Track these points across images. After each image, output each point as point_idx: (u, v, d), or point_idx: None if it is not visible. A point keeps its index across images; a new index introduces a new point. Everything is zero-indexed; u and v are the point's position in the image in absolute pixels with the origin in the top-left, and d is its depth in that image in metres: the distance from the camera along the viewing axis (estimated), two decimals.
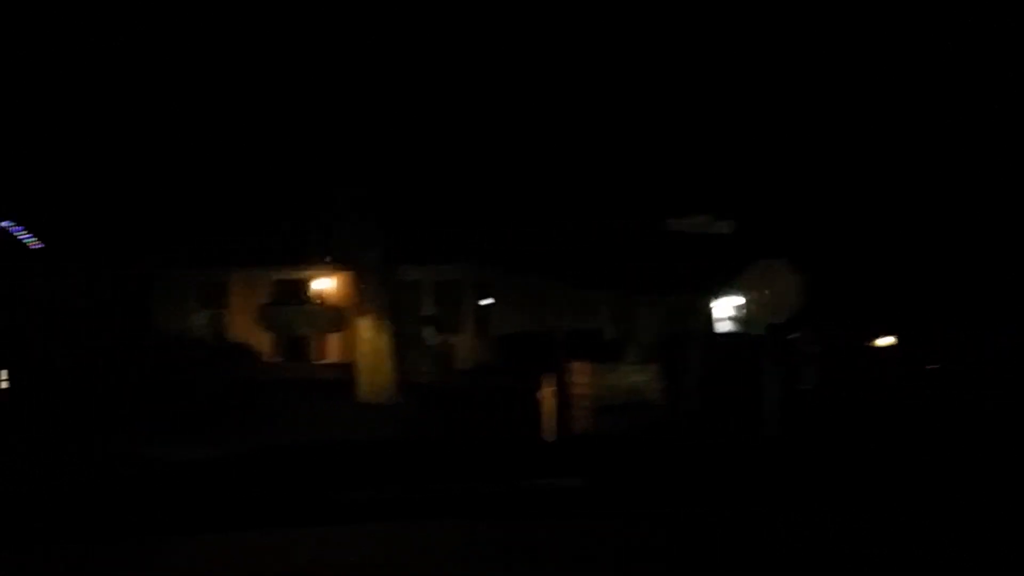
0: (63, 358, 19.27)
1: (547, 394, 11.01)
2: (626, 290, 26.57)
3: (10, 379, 15.58)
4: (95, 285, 24.22)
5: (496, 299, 24.71)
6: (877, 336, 21.38)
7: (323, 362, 22.39)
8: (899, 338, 20.89)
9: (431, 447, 2.55)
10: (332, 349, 22.79)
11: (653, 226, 20.04)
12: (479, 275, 24.01)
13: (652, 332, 23.96)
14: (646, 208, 21.53)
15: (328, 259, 22.42)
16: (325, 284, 23.57)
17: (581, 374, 12.47)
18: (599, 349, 19.65)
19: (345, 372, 19.42)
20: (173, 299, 24.96)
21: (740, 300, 24.83)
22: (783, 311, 10.80)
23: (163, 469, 2.25)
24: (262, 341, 23.76)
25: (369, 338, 15.80)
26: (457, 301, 23.42)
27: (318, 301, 23.53)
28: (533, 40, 16.32)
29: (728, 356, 14.58)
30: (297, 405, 15.06)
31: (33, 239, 31.51)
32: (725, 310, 25.43)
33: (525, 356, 20.76)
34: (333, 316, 22.95)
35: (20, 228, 31.82)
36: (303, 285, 23.92)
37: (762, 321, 11.13)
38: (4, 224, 31.46)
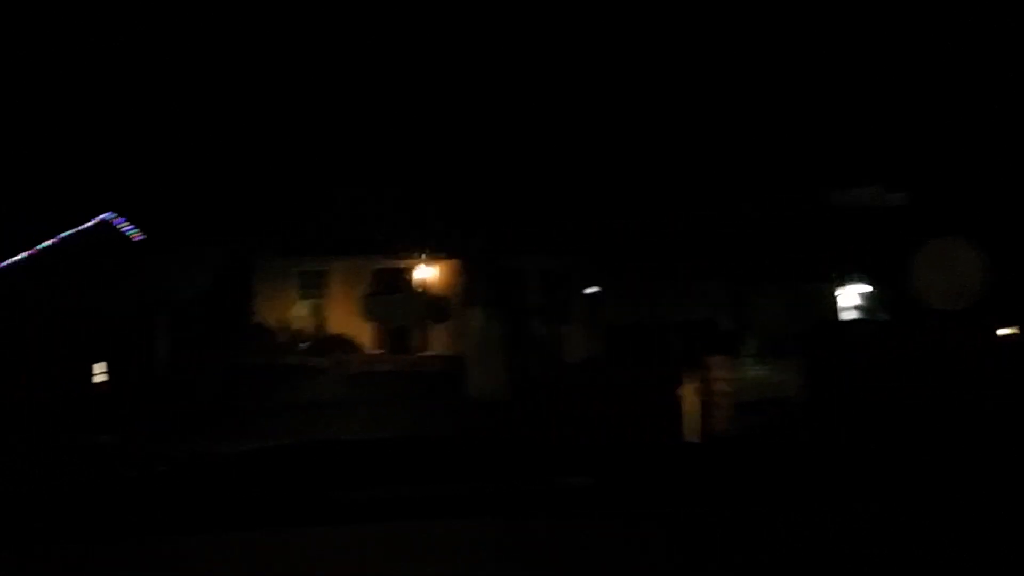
0: (163, 350, 18.94)
1: (689, 391, 9.88)
2: (743, 277, 24.95)
3: (110, 371, 15.17)
4: (196, 275, 23.86)
5: (604, 289, 23.47)
6: None
7: (426, 354, 21.49)
8: None
9: (560, 448, 2.30)
10: (436, 341, 21.85)
11: (780, 203, 18.58)
12: (587, 263, 22.78)
13: (774, 322, 22.37)
14: (765, 186, 20.12)
15: (432, 248, 21.60)
16: (428, 273, 22.64)
17: (721, 369, 11.27)
18: (717, 342, 18.36)
19: (451, 365, 18.59)
20: (274, 289, 24.43)
21: (869, 288, 23.09)
22: (961, 297, 9.33)
23: (163, 468, 2.16)
24: (363, 332, 23.01)
25: (479, 329, 14.83)
26: (564, 291, 22.23)
27: (421, 291, 22.60)
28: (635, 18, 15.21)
29: (897, 350, 13.02)
30: (404, 398, 14.30)
31: (135, 230, 31.60)
32: (855, 298, 23.77)
33: (638, 349, 19.67)
34: (437, 306, 22.04)
35: (122, 219, 31.98)
36: (405, 274, 23.04)
37: (935, 309, 9.63)
38: (106, 216, 31.66)
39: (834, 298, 23.65)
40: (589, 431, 10.93)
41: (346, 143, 19.65)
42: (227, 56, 17.08)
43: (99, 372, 15.03)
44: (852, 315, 22.97)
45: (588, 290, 23.42)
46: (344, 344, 22.43)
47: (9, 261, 28.61)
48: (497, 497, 1.78)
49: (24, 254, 29.09)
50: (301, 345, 22.01)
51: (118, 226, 31.36)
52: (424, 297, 22.55)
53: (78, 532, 1.57)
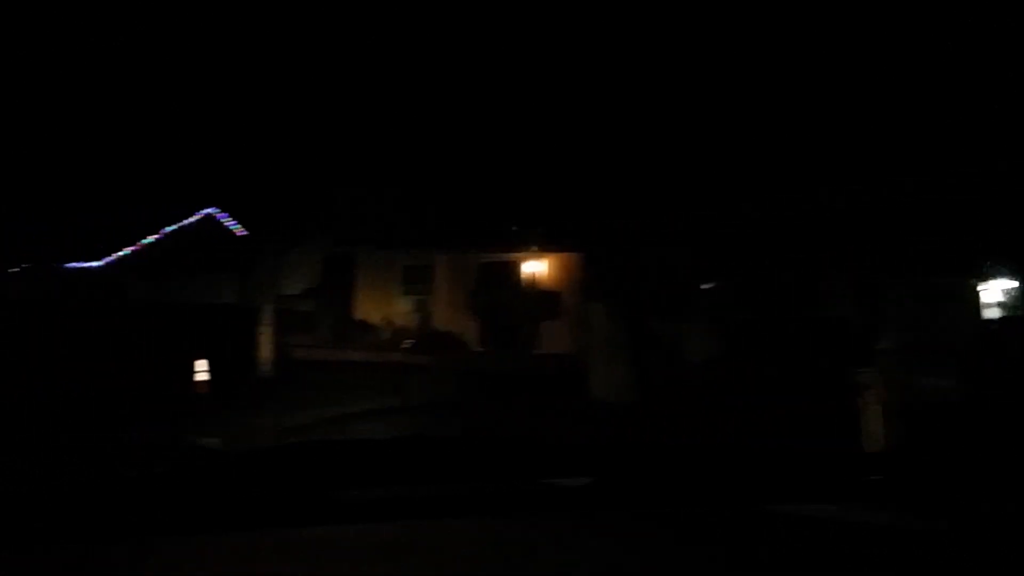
0: (267, 346, 18.37)
1: (872, 395, 8.53)
2: (874, 270, 23.13)
3: (210, 370, 14.49)
4: (299, 270, 23.40)
5: (720, 284, 22.01)
6: None
7: (537, 352, 20.35)
8: None
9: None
10: (548, 338, 20.68)
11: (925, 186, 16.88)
12: (703, 256, 21.34)
13: (909, 320, 20.55)
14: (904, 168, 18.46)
15: (544, 241, 20.50)
16: (537, 268, 21.50)
17: (889, 372, 9.85)
18: (851, 341, 16.83)
19: (564, 364, 17.45)
20: (378, 284, 23.73)
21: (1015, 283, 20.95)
22: None
23: (163, 468, 2.04)
24: (469, 329, 22.03)
25: (601, 327, 13.61)
26: (683, 286, 20.82)
27: (530, 286, 21.48)
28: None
29: None
30: (521, 401, 13.28)
31: (237, 225, 31.50)
32: (997, 294, 21.84)
33: (762, 347, 18.28)
34: (548, 302, 20.89)
35: (225, 215, 31.92)
36: (514, 269, 21.94)
37: None
38: (210, 210, 31.64)
39: (978, 294, 21.80)
40: (719, 435, 9.85)
41: (453, 133, 18.88)
42: (328, 52, 16.63)
43: (200, 370, 14.30)
44: (1001, 311, 21.11)
45: (708, 285, 22.05)
46: (449, 342, 21.52)
47: (113, 256, 28.91)
48: (497, 497, 1.79)
49: (127, 249, 29.24)
50: (405, 342, 21.14)
51: (221, 221, 31.43)
52: (534, 293, 21.41)
53: (78, 532, 1.57)
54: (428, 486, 1.85)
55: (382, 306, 23.32)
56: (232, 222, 31.27)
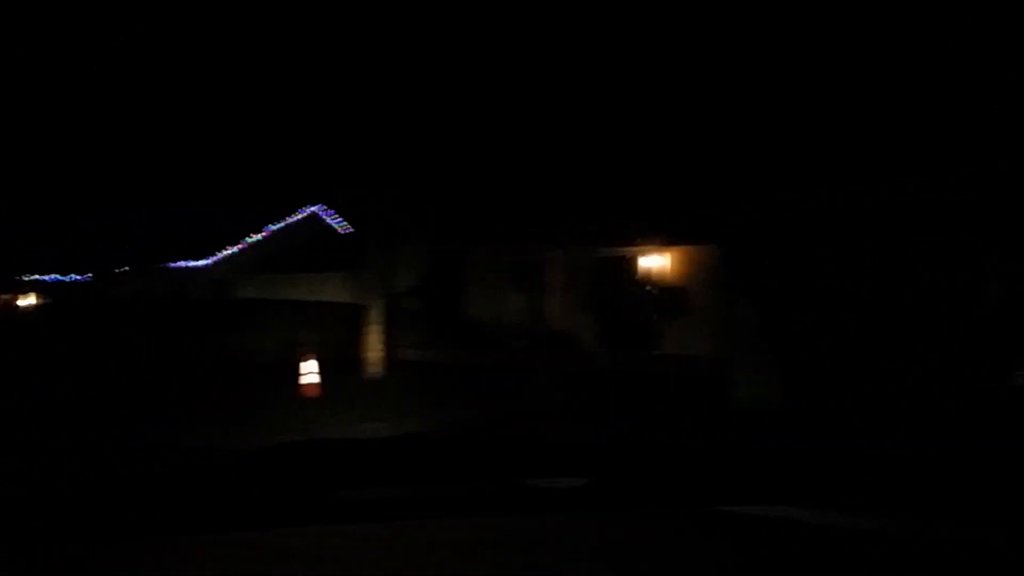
0: (375, 346, 17.57)
1: None
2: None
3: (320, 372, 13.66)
4: (408, 267, 22.60)
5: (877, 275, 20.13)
6: None
7: (658, 353, 18.96)
8: None
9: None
10: (670, 338, 19.25)
11: None
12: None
13: None
14: None
15: (667, 233, 19.07)
16: (658, 262, 20.07)
17: None
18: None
19: (692, 366, 16.09)
20: (487, 281, 22.71)
21: None
22: None
23: (163, 468, 2.08)
24: (584, 328, 20.78)
25: (748, 327, 12.18)
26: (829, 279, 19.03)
27: (651, 281, 20.09)
28: None
29: None
30: (656, 408, 12.04)
31: (343, 223, 31.01)
32: None
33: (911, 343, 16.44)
34: (671, 300, 19.47)
35: (331, 212, 31.49)
36: (632, 263, 20.59)
37: None
38: (314, 208, 31.31)
39: None
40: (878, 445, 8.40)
41: (568, 121, 17.87)
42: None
43: (308, 372, 13.42)
44: None
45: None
46: (563, 341, 20.33)
47: (220, 255, 28.84)
48: (497, 497, 1.78)
49: (234, 247, 29.18)
50: (516, 342, 20.03)
51: (326, 218, 31.07)
52: (656, 289, 20.01)
53: (78, 532, 1.57)
54: (428, 486, 1.84)
55: (492, 304, 22.28)
56: (337, 220, 30.88)
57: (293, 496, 1.76)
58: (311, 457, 2.03)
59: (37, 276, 28.39)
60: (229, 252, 29.02)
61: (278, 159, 23.56)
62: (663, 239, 19.42)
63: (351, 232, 29.11)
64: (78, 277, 28.11)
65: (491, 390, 14.29)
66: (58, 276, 28.00)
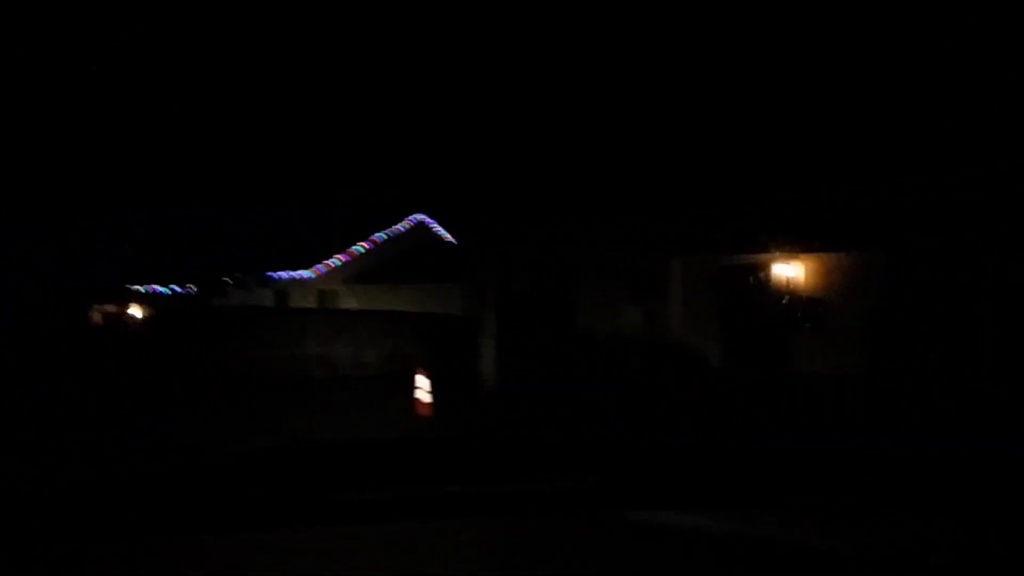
0: (489, 363, 16.54)
1: None
2: None
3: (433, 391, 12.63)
4: (516, 278, 21.53)
5: None
6: None
7: (794, 370, 17.32)
8: None
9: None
10: (808, 354, 17.54)
11: None
12: None
13: None
14: None
15: (807, 239, 17.48)
16: (793, 271, 18.40)
17: None
18: None
19: (836, 386, 14.48)
20: (602, 292, 21.43)
21: None
22: None
23: (164, 468, 2.03)
24: (709, 342, 19.28)
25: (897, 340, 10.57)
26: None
27: (786, 292, 18.45)
28: None
29: None
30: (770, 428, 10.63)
31: (446, 232, 30.30)
32: None
33: None
34: (810, 311, 17.79)
35: (434, 221, 30.84)
36: (763, 272, 18.99)
37: None
38: (420, 216, 30.70)
39: None
40: None
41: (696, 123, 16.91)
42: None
43: (421, 388, 12.31)
44: None
45: None
46: (687, 357, 18.87)
47: (323, 264, 28.61)
48: (497, 497, 1.78)
49: (338, 257, 28.87)
50: (634, 358, 18.67)
51: (431, 227, 30.48)
52: (791, 300, 18.35)
53: (78, 532, 1.57)
54: (428, 486, 1.81)
55: (606, 318, 20.99)
56: (442, 228, 30.24)
57: (293, 496, 1.74)
58: (311, 458, 2.05)
59: (142, 286, 28.51)
60: (332, 262, 28.68)
61: (385, 165, 23.01)
62: (806, 245, 17.76)
63: (456, 242, 28.40)
64: (179, 288, 28.19)
65: (611, 410, 13.12)
66: (160, 287, 28.13)
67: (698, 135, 17.90)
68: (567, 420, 12.17)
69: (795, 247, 17.87)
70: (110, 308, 28.12)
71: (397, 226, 30.09)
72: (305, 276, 28.41)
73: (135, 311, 28.10)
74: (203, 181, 26.83)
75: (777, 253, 18.36)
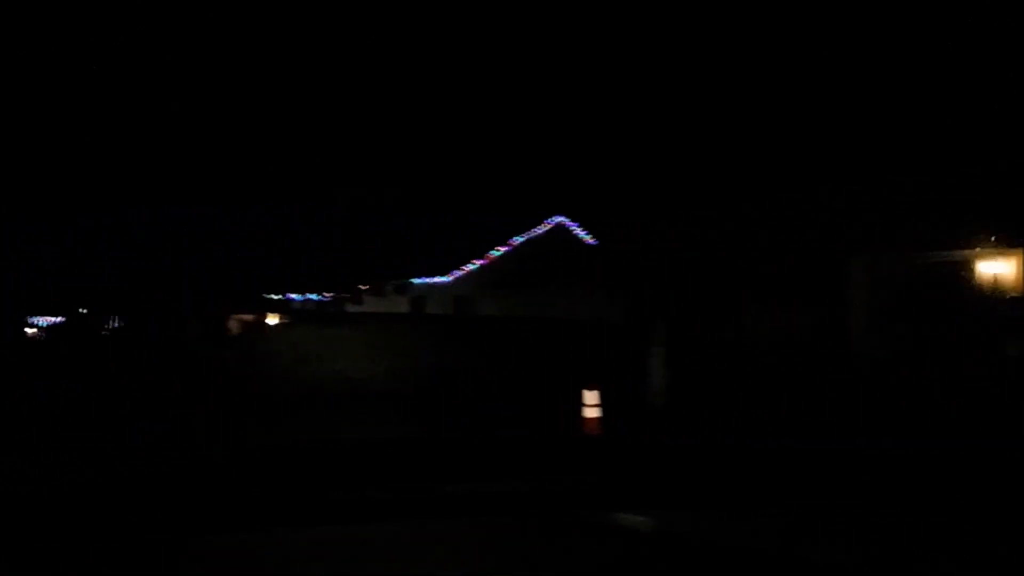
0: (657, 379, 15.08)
1: None
2: None
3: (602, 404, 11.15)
4: (659, 289, 19.97)
5: None
6: None
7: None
8: None
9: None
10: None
11: None
12: None
13: None
14: None
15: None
16: (1000, 268, 16.07)
17: None
18: None
19: None
20: (768, 294, 19.56)
21: None
22: None
23: (163, 469, 2.06)
24: (898, 349, 17.12)
25: None
26: None
27: (992, 291, 16.19)
28: None
29: None
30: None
31: (587, 234, 29.05)
32: None
33: None
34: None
35: (575, 224, 29.62)
36: (963, 270, 16.76)
37: None
38: (559, 219, 29.54)
39: None
40: None
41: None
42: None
43: (590, 404, 10.78)
44: None
45: None
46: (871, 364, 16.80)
47: (460, 270, 28.04)
48: (497, 497, 1.79)
49: (475, 262, 28.17)
50: (812, 365, 16.74)
51: (571, 229, 29.32)
52: (999, 300, 16.08)
53: (78, 532, 1.57)
54: (428, 486, 1.83)
55: (775, 322, 19.10)
56: (582, 231, 29.03)
57: (293, 496, 1.74)
58: (310, 457, 2.02)
59: (278, 295, 28.49)
60: (469, 267, 27.96)
61: (525, 167, 22.08)
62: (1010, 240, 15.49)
63: (597, 243, 27.07)
64: (314, 296, 28.06)
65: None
66: (296, 295, 28.05)
67: (891, 113, 16.04)
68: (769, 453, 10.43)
69: (1011, 239, 15.61)
70: (247, 317, 28.05)
71: (535, 229, 29.06)
72: (442, 282, 27.77)
73: (270, 320, 27.90)
74: (348, 186, 26.74)
75: (983, 248, 16.12)
